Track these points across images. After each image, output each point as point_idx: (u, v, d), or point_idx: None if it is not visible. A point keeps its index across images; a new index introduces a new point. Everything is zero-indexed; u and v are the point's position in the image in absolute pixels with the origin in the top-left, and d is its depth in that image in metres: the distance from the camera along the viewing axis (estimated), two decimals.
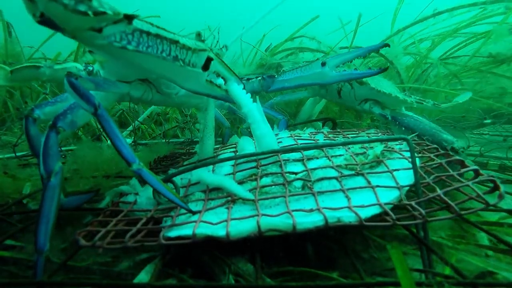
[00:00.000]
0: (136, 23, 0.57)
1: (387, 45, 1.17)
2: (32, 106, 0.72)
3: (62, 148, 1.40)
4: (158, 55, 0.61)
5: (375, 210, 0.57)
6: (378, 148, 0.78)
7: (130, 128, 1.70)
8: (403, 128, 1.16)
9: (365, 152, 0.79)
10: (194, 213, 0.64)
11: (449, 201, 0.57)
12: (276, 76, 1.15)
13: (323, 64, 1.11)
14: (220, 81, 0.78)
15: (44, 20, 0.50)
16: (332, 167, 0.74)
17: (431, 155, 0.77)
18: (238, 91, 0.78)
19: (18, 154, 1.28)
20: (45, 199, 0.60)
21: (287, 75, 1.14)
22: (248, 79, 1.20)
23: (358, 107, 1.35)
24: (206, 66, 0.70)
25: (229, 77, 0.78)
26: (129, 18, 0.55)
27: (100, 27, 0.53)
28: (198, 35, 0.91)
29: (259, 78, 1.14)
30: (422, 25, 2.23)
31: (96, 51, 0.73)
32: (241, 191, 0.67)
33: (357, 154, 0.79)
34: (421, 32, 2.34)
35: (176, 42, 0.63)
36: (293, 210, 0.59)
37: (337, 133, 1.10)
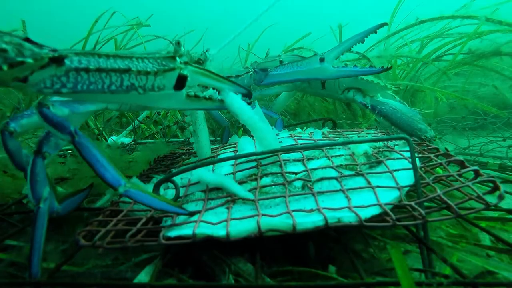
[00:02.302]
0: (69, 61, 0.52)
1: (385, 24, 1.19)
2: (6, 120, 0.68)
3: (62, 148, 1.40)
4: (104, 90, 0.56)
5: (375, 211, 0.57)
6: (361, 148, 0.78)
7: (130, 127, 1.70)
8: (382, 118, 1.18)
9: (365, 152, 0.79)
10: (192, 214, 0.64)
11: (449, 202, 0.57)
12: (269, 70, 1.13)
13: (322, 59, 1.10)
14: (210, 91, 0.72)
15: None
16: (332, 167, 0.74)
17: (431, 156, 0.77)
18: (235, 101, 0.73)
19: None
20: (36, 228, 0.58)
21: (282, 69, 1.12)
22: (237, 76, 1.19)
23: (341, 96, 1.34)
24: (179, 86, 0.63)
25: (222, 87, 0.72)
26: (57, 60, 0.50)
27: (24, 76, 0.49)
28: (177, 43, 0.81)
29: (250, 72, 1.12)
30: (412, 27, 2.26)
31: None
32: (241, 191, 0.67)
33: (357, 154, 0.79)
34: (411, 34, 2.37)
35: (127, 71, 0.57)
36: (293, 210, 0.59)
37: (337, 133, 1.10)
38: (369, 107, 1.21)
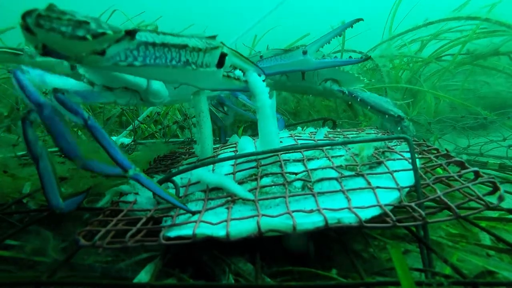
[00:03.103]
0: (139, 36, 0.54)
1: (360, 19, 1.28)
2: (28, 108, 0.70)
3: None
4: (167, 64, 0.59)
5: (375, 211, 0.57)
6: (369, 150, 0.78)
7: (130, 127, 1.70)
8: (359, 100, 1.30)
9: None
10: (194, 213, 0.64)
11: (449, 203, 0.57)
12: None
13: (305, 52, 1.17)
14: (238, 72, 0.76)
15: (48, 51, 0.50)
16: (332, 168, 0.74)
17: (431, 156, 0.77)
18: (258, 82, 0.76)
19: (18, 153, 1.28)
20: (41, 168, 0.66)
21: (266, 63, 1.16)
22: None
23: (319, 87, 1.40)
24: (220, 63, 0.67)
25: (248, 68, 0.76)
26: (130, 33, 0.53)
27: (103, 49, 0.51)
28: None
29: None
30: (412, 26, 2.27)
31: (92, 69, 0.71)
32: (241, 191, 0.67)
33: (357, 155, 0.79)
34: (410, 34, 2.38)
35: (185, 47, 0.60)
36: (293, 211, 0.59)
37: (337, 133, 1.10)
38: (347, 93, 1.31)
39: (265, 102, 0.77)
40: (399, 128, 1.23)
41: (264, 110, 0.77)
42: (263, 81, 0.79)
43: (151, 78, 0.65)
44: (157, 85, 0.81)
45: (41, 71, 0.67)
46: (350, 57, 1.27)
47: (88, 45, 0.50)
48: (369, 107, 1.27)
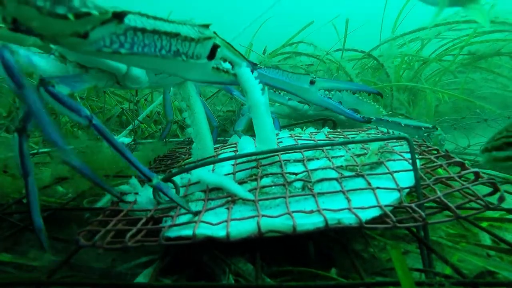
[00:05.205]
0: (128, 20, 0.48)
1: (380, 94, 1.31)
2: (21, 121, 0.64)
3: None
4: (156, 53, 0.53)
5: (376, 212, 0.57)
6: (374, 145, 0.78)
7: (130, 127, 1.70)
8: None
9: (366, 153, 0.79)
10: (196, 214, 0.64)
11: (449, 204, 0.57)
12: (257, 66, 1.13)
13: (312, 82, 1.11)
14: (227, 65, 0.72)
15: (18, 27, 0.42)
16: (332, 168, 0.73)
17: (432, 157, 0.77)
18: (249, 77, 0.73)
19: None
20: (30, 194, 0.64)
21: (271, 73, 1.12)
22: None
23: (341, 116, 1.39)
24: (212, 55, 0.62)
25: (238, 62, 0.72)
26: (119, 16, 0.46)
27: (85, 31, 0.44)
28: None
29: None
30: (412, 26, 2.28)
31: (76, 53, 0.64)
32: (241, 191, 0.67)
33: (358, 155, 0.79)
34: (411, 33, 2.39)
35: (177, 35, 0.54)
36: (293, 211, 0.59)
37: (337, 133, 1.10)
38: (374, 119, 1.29)
39: (258, 99, 0.74)
40: (432, 137, 1.26)
41: (258, 108, 0.75)
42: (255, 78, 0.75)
43: (136, 66, 0.61)
44: (138, 71, 0.76)
45: (28, 52, 0.62)
46: (357, 111, 1.25)
47: (68, 25, 0.43)
48: (403, 124, 1.28)
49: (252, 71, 0.76)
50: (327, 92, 1.18)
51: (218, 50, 0.63)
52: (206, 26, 0.61)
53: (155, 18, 0.53)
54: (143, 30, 0.50)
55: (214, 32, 0.64)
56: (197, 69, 0.64)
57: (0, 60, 0.51)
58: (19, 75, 0.52)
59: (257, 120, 0.76)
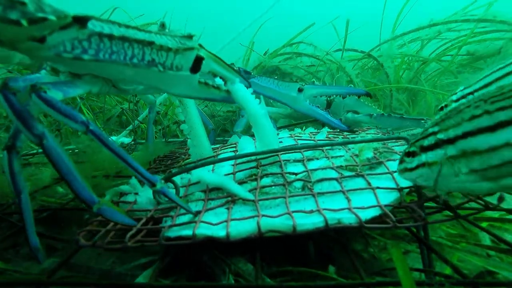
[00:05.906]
0: (92, 25, 0.46)
1: (369, 95, 1.31)
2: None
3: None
4: (126, 62, 0.51)
5: (375, 212, 0.57)
6: (368, 153, 0.78)
7: (130, 127, 1.69)
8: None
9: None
10: (196, 214, 0.64)
11: (449, 203, 0.57)
12: (251, 75, 1.13)
13: (300, 90, 1.11)
14: (218, 81, 0.69)
15: None
16: (332, 168, 0.73)
17: None
18: (244, 93, 0.70)
19: None
20: (24, 211, 0.62)
21: (263, 81, 1.12)
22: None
23: (342, 117, 1.41)
24: (195, 68, 0.60)
25: (231, 77, 0.69)
26: (80, 20, 0.45)
27: (42, 35, 0.43)
28: (162, 26, 0.75)
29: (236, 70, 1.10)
30: (412, 26, 2.28)
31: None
32: (241, 191, 0.67)
33: (358, 155, 0.79)
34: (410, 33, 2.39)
35: (151, 44, 0.52)
36: (293, 211, 0.58)
37: (337, 133, 1.10)
38: (375, 115, 1.28)
39: (257, 112, 0.72)
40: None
41: (258, 120, 0.73)
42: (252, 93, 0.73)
43: (104, 75, 0.57)
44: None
45: (25, 77, 0.57)
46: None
47: (23, 30, 0.42)
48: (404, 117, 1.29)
49: (247, 82, 0.75)
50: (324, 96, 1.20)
51: (204, 62, 0.61)
52: (189, 37, 0.60)
53: (127, 26, 0.52)
54: (110, 36, 0.49)
55: (200, 44, 0.62)
56: (181, 82, 0.62)
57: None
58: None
59: (258, 130, 0.76)
